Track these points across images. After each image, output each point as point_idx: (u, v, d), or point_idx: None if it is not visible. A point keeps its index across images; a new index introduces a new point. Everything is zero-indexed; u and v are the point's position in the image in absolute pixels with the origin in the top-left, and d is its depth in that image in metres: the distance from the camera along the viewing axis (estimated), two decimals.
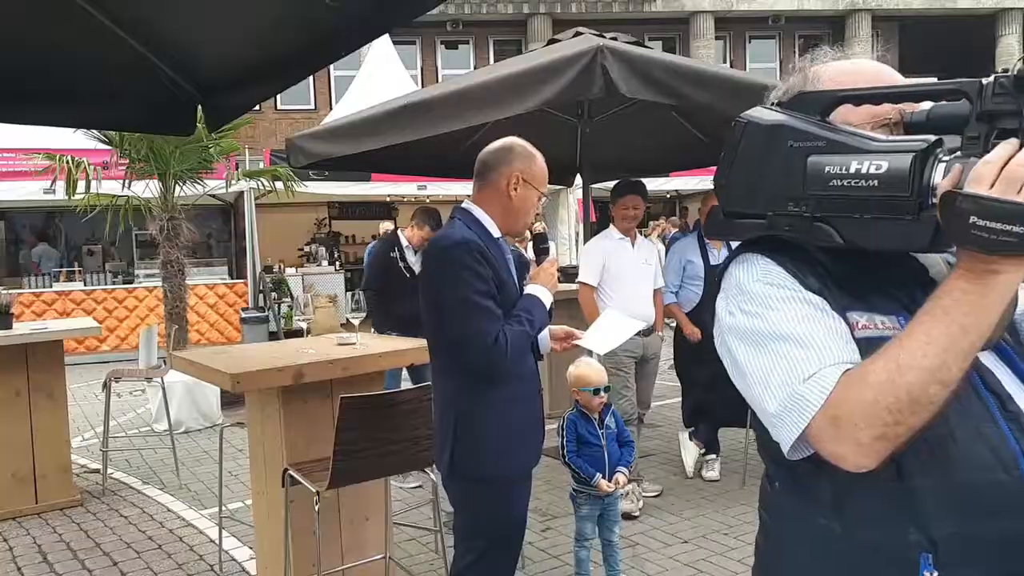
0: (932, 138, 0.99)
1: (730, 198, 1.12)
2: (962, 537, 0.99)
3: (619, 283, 4.62)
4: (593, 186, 5.90)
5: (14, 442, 4.76)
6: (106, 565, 4.00)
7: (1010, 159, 0.89)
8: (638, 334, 4.47)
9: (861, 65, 1.18)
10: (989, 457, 0.99)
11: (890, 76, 1.16)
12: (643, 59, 3.66)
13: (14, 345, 4.70)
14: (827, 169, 1.01)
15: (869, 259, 1.05)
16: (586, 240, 5.15)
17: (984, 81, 0.97)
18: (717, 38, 20.03)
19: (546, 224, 12.76)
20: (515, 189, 2.39)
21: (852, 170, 0.99)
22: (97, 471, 5.51)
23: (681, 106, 4.39)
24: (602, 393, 3.34)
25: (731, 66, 18.86)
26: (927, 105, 1.11)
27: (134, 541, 4.30)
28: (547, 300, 2.44)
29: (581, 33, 4.31)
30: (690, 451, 5.11)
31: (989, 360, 1.06)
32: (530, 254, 6.94)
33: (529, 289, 2.44)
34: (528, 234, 6.48)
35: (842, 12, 19.99)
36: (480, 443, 2.31)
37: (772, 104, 1.13)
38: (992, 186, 0.88)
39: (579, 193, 10.61)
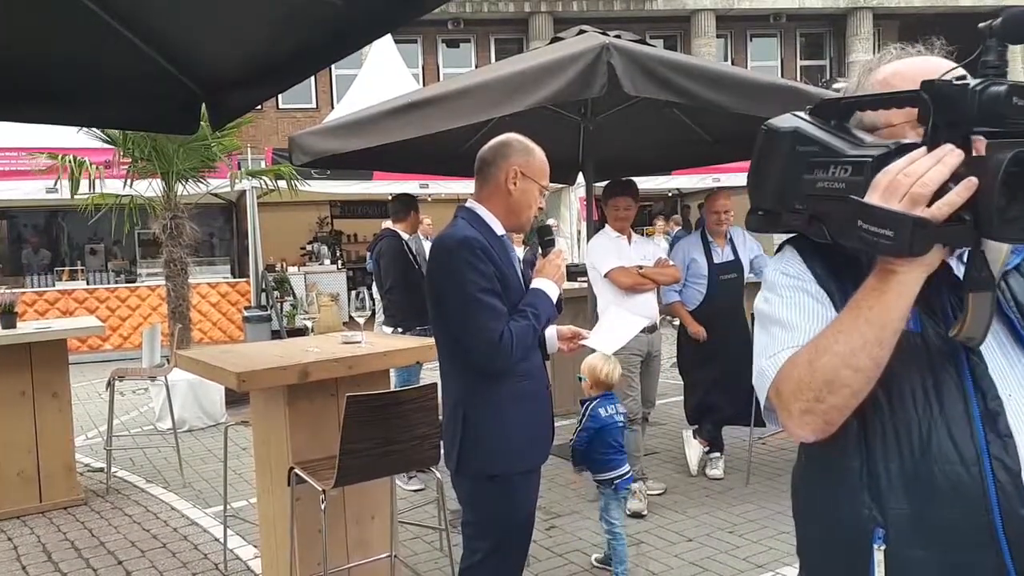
0: (893, 144, 1.04)
1: (755, 196, 1.21)
2: (913, 520, 1.07)
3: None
4: (596, 184, 5.89)
5: (19, 441, 4.76)
6: (111, 564, 4.00)
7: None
8: (643, 331, 4.47)
9: (911, 64, 1.20)
10: (952, 452, 1.06)
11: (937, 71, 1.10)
12: (649, 56, 3.66)
13: (18, 344, 4.70)
14: (816, 171, 1.08)
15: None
16: (589, 238, 5.14)
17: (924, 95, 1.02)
18: (718, 36, 20.01)
19: (556, 220, 12.76)
20: (514, 183, 2.40)
21: (831, 173, 1.07)
22: (101, 470, 5.52)
23: (686, 104, 4.38)
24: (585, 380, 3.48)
25: (732, 64, 18.84)
26: None
27: (138, 540, 4.31)
28: (553, 293, 2.43)
29: (585, 31, 4.31)
30: (694, 449, 5.11)
31: (1002, 359, 1.10)
32: (520, 252, 6.93)
33: (535, 283, 2.44)
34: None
35: (843, 10, 19.96)
36: (488, 440, 2.31)
37: (806, 108, 1.18)
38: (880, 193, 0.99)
39: (581, 191, 10.63)
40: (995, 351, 1.11)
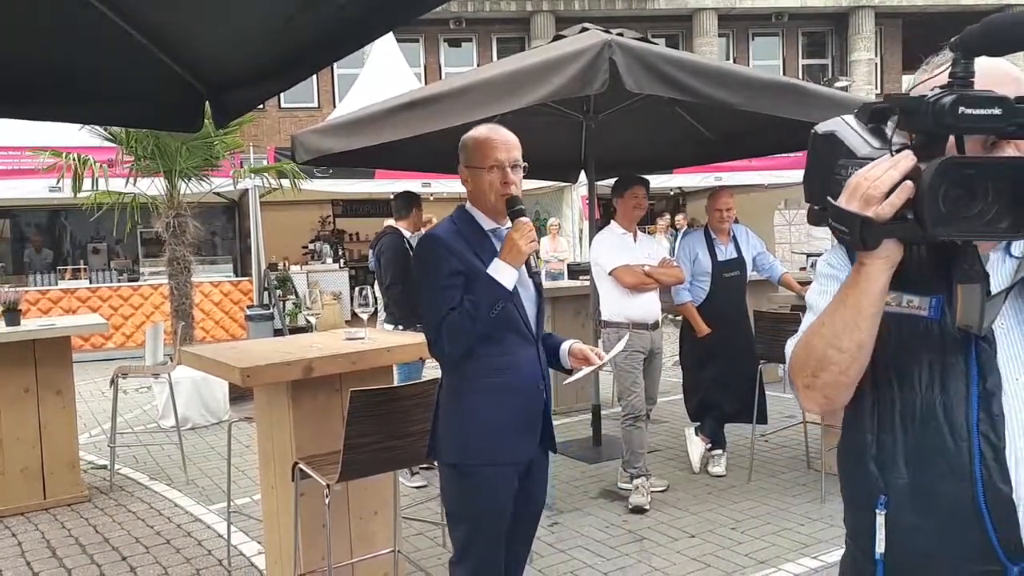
0: (898, 147, 1.12)
1: (807, 194, 1.27)
2: (910, 489, 1.20)
3: None
4: (597, 183, 5.90)
5: (23, 438, 4.78)
6: (115, 560, 4.02)
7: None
8: (646, 328, 4.49)
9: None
10: (946, 428, 1.17)
11: (994, 76, 1.15)
12: (651, 53, 3.67)
13: (22, 341, 4.72)
14: (840, 171, 1.16)
15: (930, 248, 1.19)
16: (591, 237, 5.15)
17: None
18: (720, 35, 20.00)
19: (557, 218, 12.75)
20: (466, 179, 2.47)
21: (848, 172, 1.15)
22: (104, 467, 5.53)
23: (688, 101, 4.39)
24: None
25: (734, 63, 18.83)
26: None
27: (142, 536, 4.32)
28: (505, 275, 2.31)
29: (587, 29, 4.31)
30: (696, 446, 5.11)
31: (1020, 344, 1.18)
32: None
33: (489, 269, 2.33)
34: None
35: (845, 8, 19.95)
36: (452, 429, 2.38)
37: (854, 111, 1.23)
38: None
39: (583, 190, 10.64)
40: (1015, 338, 1.18)
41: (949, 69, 1.07)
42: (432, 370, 2.61)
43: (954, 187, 1.01)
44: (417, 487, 4.94)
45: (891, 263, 1.14)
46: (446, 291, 2.30)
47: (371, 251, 5.64)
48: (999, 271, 1.21)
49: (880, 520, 1.22)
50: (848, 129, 1.18)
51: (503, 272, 2.32)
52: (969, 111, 1.01)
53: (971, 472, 1.14)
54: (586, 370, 2.51)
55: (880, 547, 1.23)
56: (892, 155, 1.09)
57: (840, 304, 1.19)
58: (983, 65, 1.18)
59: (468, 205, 2.49)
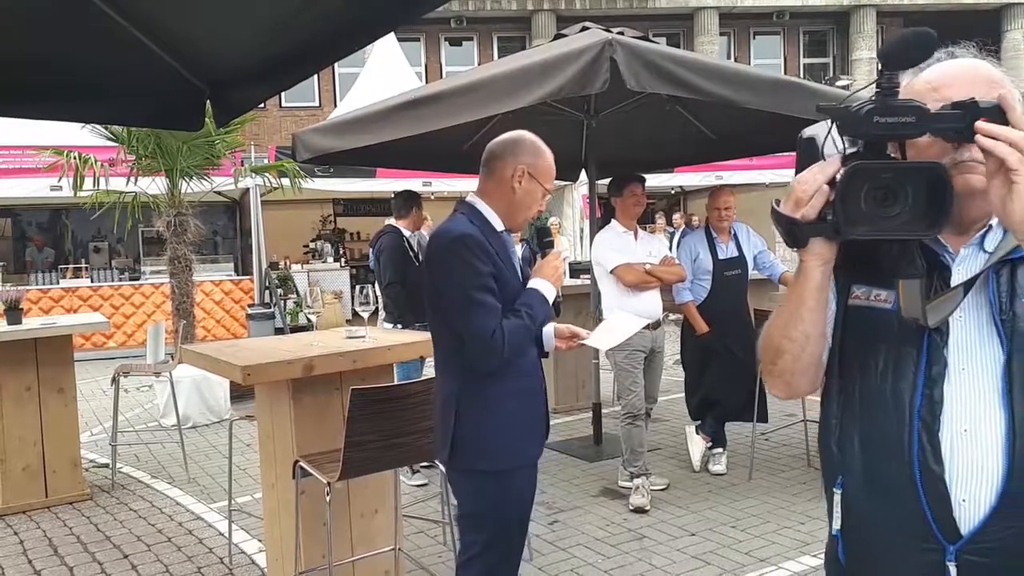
0: (849, 151, 1.18)
1: None
2: (862, 470, 1.27)
3: None
4: (598, 181, 5.90)
5: (24, 436, 4.79)
6: (116, 558, 4.03)
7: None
8: (647, 327, 4.48)
9: (936, 71, 1.27)
10: (893, 412, 1.23)
11: (967, 76, 1.22)
12: (652, 51, 3.67)
13: (24, 340, 4.73)
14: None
15: (883, 245, 1.25)
16: (592, 236, 5.15)
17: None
18: (721, 34, 20.00)
19: (558, 218, 12.76)
20: (519, 182, 2.38)
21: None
22: (106, 466, 5.54)
23: (689, 99, 4.39)
24: None
25: (736, 62, 18.83)
26: None
27: (144, 534, 4.33)
28: (550, 294, 2.41)
29: (588, 28, 4.32)
30: (697, 445, 5.12)
31: (976, 336, 1.21)
32: (519, 251, 6.93)
33: (532, 283, 2.42)
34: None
35: (846, 7, 19.94)
36: (478, 436, 2.31)
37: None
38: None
39: (584, 189, 10.64)
40: (971, 330, 1.21)
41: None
42: (431, 368, 2.61)
43: (877, 190, 1.10)
44: (418, 485, 4.95)
45: (823, 260, 1.22)
46: (492, 293, 2.25)
47: (371, 250, 5.64)
48: (969, 266, 1.24)
49: (836, 499, 1.31)
50: (826, 133, 1.21)
51: (550, 293, 2.40)
52: (883, 119, 1.09)
53: (910, 454, 1.20)
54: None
55: (836, 524, 1.31)
56: (840, 160, 1.16)
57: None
58: (958, 65, 1.25)
59: (480, 203, 2.41)
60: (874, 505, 1.26)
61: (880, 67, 1.13)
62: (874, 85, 1.13)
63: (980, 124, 1.08)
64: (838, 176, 1.13)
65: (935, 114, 1.10)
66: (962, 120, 1.09)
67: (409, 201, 5.51)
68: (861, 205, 1.11)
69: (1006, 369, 1.17)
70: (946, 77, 1.24)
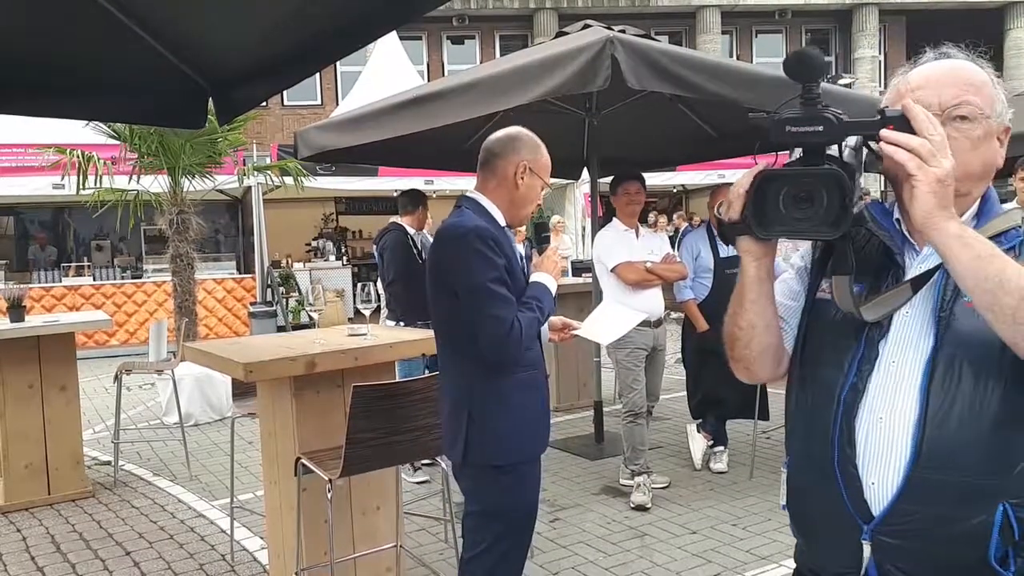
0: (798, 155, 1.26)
1: None
2: (801, 451, 1.37)
3: None
4: (600, 180, 5.90)
5: (27, 434, 4.80)
6: (119, 555, 4.04)
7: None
8: (649, 325, 4.48)
9: (918, 72, 1.34)
10: (826, 398, 1.31)
11: (949, 78, 1.29)
12: (653, 50, 3.67)
13: (27, 338, 4.74)
14: None
15: (858, 245, 1.32)
16: (593, 234, 5.15)
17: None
18: (723, 33, 19.98)
19: (561, 216, 12.77)
20: (522, 178, 2.41)
21: None
22: (108, 463, 5.55)
23: (690, 97, 4.39)
24: None
25: (738, 60, 18.81)
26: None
27: (146, 531, 4.34)
28: (552, 287, 2.46)
29: (590, 26, 4.32)
30: (698, 443, 5.12)
31: (917, 330, 1.27)
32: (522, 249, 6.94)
33: (535, 277, 2.46)
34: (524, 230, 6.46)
35: (849, 6, 19.91)
36: (492, 430, 2.32)
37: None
38: None
39: (586, 187, 10.64)
40: (912, 325, 1.27)
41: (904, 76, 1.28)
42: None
43: (796, 193, 1.19)
44: (419, 482, 4.95)
45: (754, 256, 1.34)
46: (507, 286, 2.27)
47: (374, 246, 5.64)
48: (929, 264, 1.29)
49: (783, 478, 1.43)
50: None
51: (552, 287, 2.44)
52: (795, 128, 1.17)
53: (832, 437, 1.29)
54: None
55: (782, 500, 1.42)
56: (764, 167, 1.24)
57: (734, 291, 1.41)
58: (938, 67, 1.31)
59: (482, 198, 2.43)
60: (807, 484, 1.36)
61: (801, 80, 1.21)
62: (798, 96, 1.20)
63: (884, 132, 1.17)
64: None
65: (850, 122, 1.17)
66: (874, 128, 1.17)
67: (416, 199, 5.53)
68: (780, 207, 1.20)
69: (930, 363, 1.23)
70: (922, 79, 1.30)
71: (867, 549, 1.26)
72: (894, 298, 1.27)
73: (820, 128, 1.16)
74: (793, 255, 1.54)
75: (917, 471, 1.21)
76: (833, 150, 1.22)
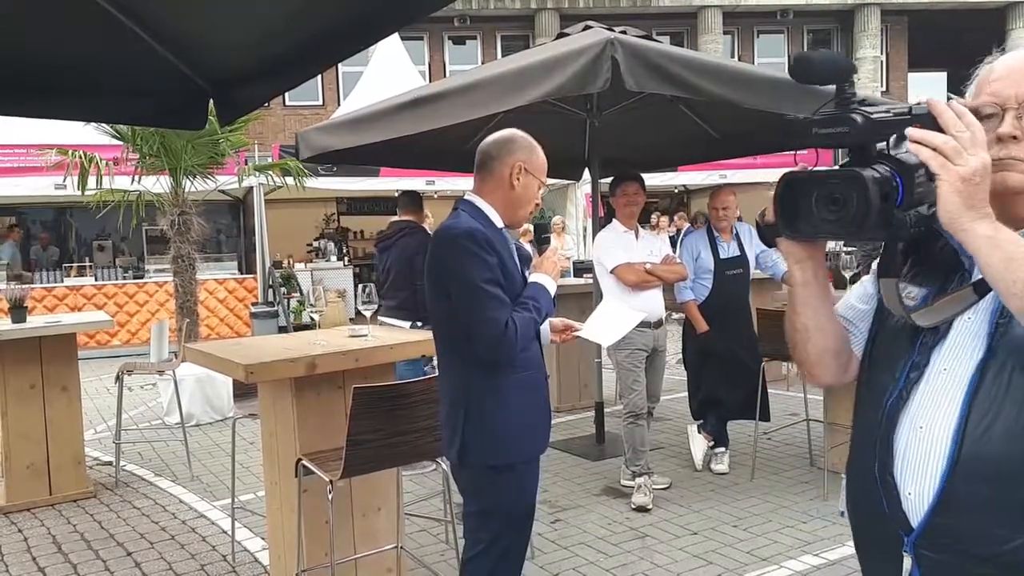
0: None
1: None
2: (855, 459, 1.35)
3: None
4: (601, 180, 5.90)
5: (29, 434, 4.81)
6: (120, 555, 4.04)
7: None
8: (649, 326, 4.47)
9: (999, 62, 1.29)
10: (873, 401, 1.29)
11: (1007, 76, 1.24)
12: (653, 51, 3.67)
13: (29, 338, 4.75)
14: None
15: (927, 248, 1.29)
16: (595, 235, 5.15)
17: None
18: (725, 33, 19.96)
19: (562, 216, 12.76)
20: (518, 179, 2.43)
21: None
22: (110, 463, 5.56)
23: (690, 98, 4.39)
24: None
25: (739, 61, 18.79)
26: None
27: (147, 532, 4.35)
28: (551, 288, 2.47)
29: (591, 27, 4.32)
30: (699, 444, 5.12)
31: (969, 338, 1.22)
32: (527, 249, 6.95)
33: (533, 277, 2.48)
34: (531, 227, 6.44)
35: (851, 6, 19.89)
36: (489, 430, 2.34)
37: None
38: None
39: (587, 188, 10.64)
40: (970, 332, 1.22)
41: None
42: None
43: (827, 193, 1.18)
44: (429, 471, 4.94)
45: (795, 259, 1.32)
46: (501, 287, 2.29)
47: (378, 249, 5.71)
48: None
49: (843, 482, 1.41)
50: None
51: (551, 287, 2.45)
52: (821, 130, 1.18)
53: (874, 443, 1.27)
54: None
55: (841, 505, 1.41)
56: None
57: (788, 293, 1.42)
58: (1015, 58, 1.26)
59: (479, 200, 2.45)
60: (856, 492, 1.34)
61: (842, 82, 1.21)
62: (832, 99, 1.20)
63: (910, 130, 1.13)
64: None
65: (879, 121, 1.16)
66: (902, 126, 1.15)
67: (418, 199, 5.67)
68: (812, 208, 1.19)
69: (979, 371, 1.18)
70: (1005, 69, 1.25)
71: (907, 562, 1.21)
72: (953, 303, 1.22)
73: (845, 129, 1.16)
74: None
75: (953, 483, 1.16)
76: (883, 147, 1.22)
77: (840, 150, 1.24)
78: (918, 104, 1.17)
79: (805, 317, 1.36)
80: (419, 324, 5.15)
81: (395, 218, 5.65)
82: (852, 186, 1.14)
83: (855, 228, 1.15)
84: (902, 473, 1.22)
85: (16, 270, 12.15)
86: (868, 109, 1.15)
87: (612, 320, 3.10)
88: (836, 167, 1.20)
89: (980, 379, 1.17)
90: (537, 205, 2.56)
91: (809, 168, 1.21)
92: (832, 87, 1.19)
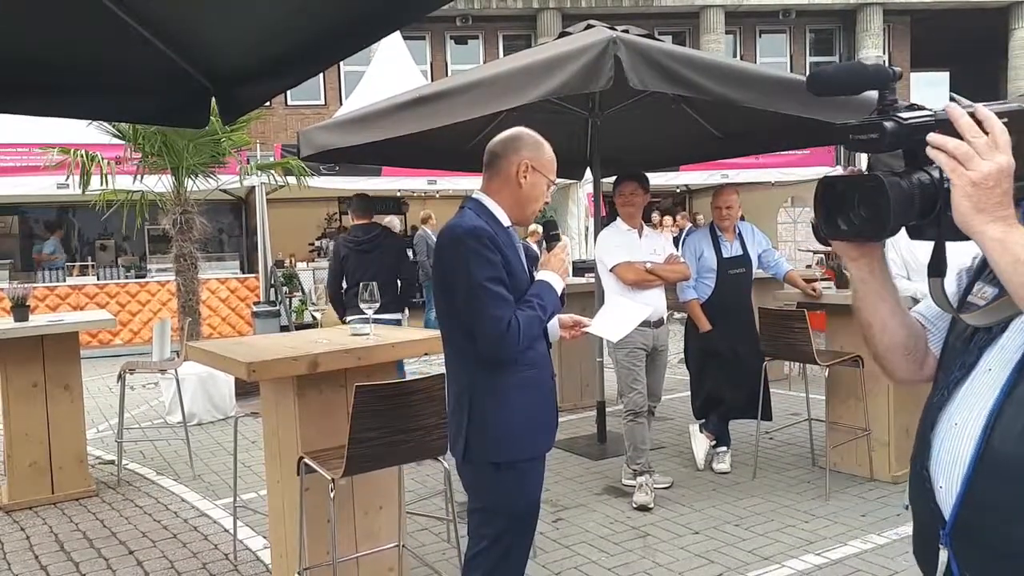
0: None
1: None
2: (916, 453, 1.35)
3: None
4: (603, 180, 5.90)
5: (31, 433, 4.82)
6: (122, 554, 4.05)
7: None
8: (649, 325, 4.47)
9: None
10: (932, 395, 1.33)
11: None
12: (656, 50, 3.67)
13: (31, 337, 4.75)
14: None
15: None
16: (596, 234, 5.15)
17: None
18: (727, 33, 19.94)
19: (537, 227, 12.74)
20: (524, 177, 2.43)
21: None
22: (112, 462, 5.56)
23: (692, 97, 4.39)
24: None
25: (740, 60, 18.77)
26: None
27: (149, 531, 4.35)
28: (558, 286, 2.47)
29: (593, 26, 4.32)
30: (700, 443, 5.12)
31: (1018, 339, 1.23)
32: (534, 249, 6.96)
33: (540, 275, 2.47)
34: (539, 228, 6.47)
35: (853, 6, 19.87)
36: (494, 427, 2.34)
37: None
38: None
39: (589, 187, 10.63)
40: (1020, 333, 1.22)
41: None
42: (437, 364, 2.62)
43: (860, 197, 1.21)
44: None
45: (851, 259, 1.34)
46: (504, 285, 2.30)
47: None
48: None
49: (910, 469, 1.41)
50: None
51: (558, 285, 2.44)
52: (856, 136, 1.20)
53: (920, 439, 1.32)
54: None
55: (906, 499, 1.45)
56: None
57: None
58: None
59: (486, 199, 2.45)
60: (911, 484, 1.37)
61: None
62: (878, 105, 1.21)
63: (930, 136, 1.14)
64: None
65: (910, 126, 1.17)
66: (926, 131, 1.16)
67: (369, 203, 6.14)
68: (848, 210, 1.23)
69: (1015, 372, 1.19)
70: None
71: (944, 555, 1.25)
72: (1007, 304, 1.20)
73: (875, 135, 1.18)
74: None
75: (976, 480, 1.19)
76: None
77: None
78: (940, 110, 1.19)
79: (866, 313, 1.38)
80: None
81: (389, 219, 5.74)
82: (878, 191, 1.17)
83: (878, 229, 1.19)
84: (935, 467, 1.26)
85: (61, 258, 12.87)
86: (904, 115, 1.17)
87: (620, 315, 3.10)
88: (865, 171, 1.23)
89: (1016, 380, 1.18)
90: (546, 203, 2.55)
91: (845, 171, 1.23)
92: (871, 95, 1.21)
